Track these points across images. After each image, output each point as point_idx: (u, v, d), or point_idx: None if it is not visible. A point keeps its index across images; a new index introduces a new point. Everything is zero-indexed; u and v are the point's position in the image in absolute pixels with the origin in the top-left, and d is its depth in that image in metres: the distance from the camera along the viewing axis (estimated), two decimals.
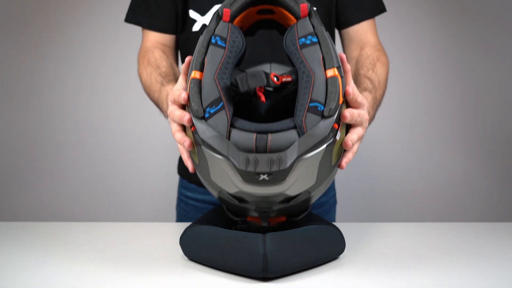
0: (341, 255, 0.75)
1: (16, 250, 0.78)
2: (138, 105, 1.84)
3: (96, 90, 1.85)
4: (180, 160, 1.15)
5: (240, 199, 0.65)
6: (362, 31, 1.03)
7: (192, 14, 0.99)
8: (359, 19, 1.03)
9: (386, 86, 0.96)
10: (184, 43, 1.05)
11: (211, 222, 0.74)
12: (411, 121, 1.87)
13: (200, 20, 0.99)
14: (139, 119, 1.85)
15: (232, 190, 0.64)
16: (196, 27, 0.99)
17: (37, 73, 1.85)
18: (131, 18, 1.06)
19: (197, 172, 0.72)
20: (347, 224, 0.91)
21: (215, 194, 0.70)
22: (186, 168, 1.11)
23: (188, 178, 1.11)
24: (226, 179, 0.63)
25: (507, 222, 0.98)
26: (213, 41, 0.67)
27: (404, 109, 1.87)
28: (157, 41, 1.05)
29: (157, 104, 0.93)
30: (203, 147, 0.64)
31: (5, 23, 1.83)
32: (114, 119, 1.86)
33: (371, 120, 0.84)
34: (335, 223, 0.79)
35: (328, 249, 0.71)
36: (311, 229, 0.70)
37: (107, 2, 1.81)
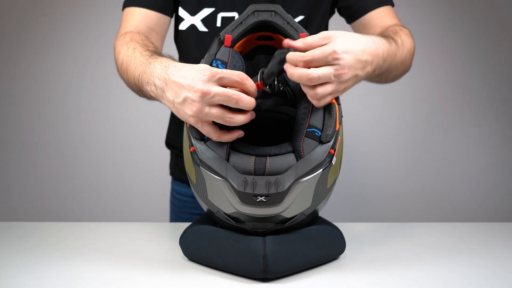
0: (341, 255, 0.75)
1: (16, 250, 0.78)
2: (139, 106, 1.84)
3: (96, 90, 1.85)
4: (172, 161, 1.15)
5: (237, 219, 0.67)
6: (378, 17, 0.96)
7: (181, 12, 0.97)
8: (372, 6, 0.96)
9: (408, 59, 0.83)
10: (174, 41, 1.04)
11: (211, 222, 0.74)
12: (411, 121, 1.87)
13: (188, 20, 0.97)
14: (139, 119, 1.85)
15: (229, 210, 0.66)
16: (183, 26, 0.98)
17: (37, 73, 1.85)
18: (127, 2, 0.97)
19: (193, 191, 0.73)
20: (347, 224, 0.91)
21: (210, 212, 0.71)
22: (177, 170, 1.11)
23: (179, 179, 1.11)
24: (223, 199, 0.65)
25: (507, 222, 0.98)
26: (214, 65, 0.69)
27: (405, 108, 1.87)
28: (147, 24, 0.94)
29: (142, 77, 0.72)
30: (201, 168, 0.65)
31: (5, 23, 1.83)
32: (114, 119, 1.86)
33: (377, 70, 0.71)
34: (335, 223, 0.79)
35: (328, 249, 0.71)
36: (311, 229, 0.70)
37: (108, 2, 1.81)
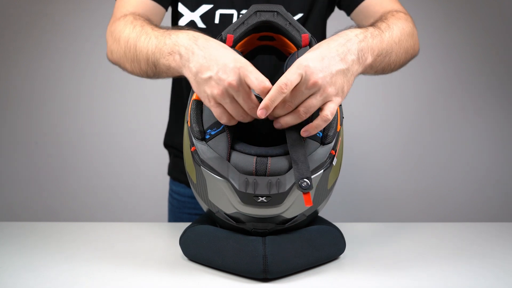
0: (341, 255, 0.75)
1: (16, 250, 0.78)
2: (138, 106, 1.84)
3: (95, 90, 1.85)
4: (170, 162, 1.15)
5: (237, 220, 0.67)
6: (377, 3, 0.94)
7: (181, 8, 0.97)
8: None
9: (405, 40, 0.79)
10: None
11: (211, 222, 0.74)
12: (412, 121, 1.87)
13: (187, 16, 0.97)
14: (138, 119, 1.85)
15: (229, 210, 0.66)
16: (182, 22, 0.97)
17: (37, 73, 1.85)
18: None
19: (193, 191, 0.72)
20: (347, 224, 0.91)
21: (210, 212, 0.71)
22: (176, 170, 1.11)
23: (178, 180, 1.11)
24: (224, 199, 0.65)
25: (507, 222, 0.98)
26: None
27: (406, 108, 1.87)
28: (144, 11, 0.90)
29: (162, 49, 0.69)
30: (202, 168, 0.65)
31: (5, 23, 1.83)
32: (114, 119, 1.86)
33: (366, 51, 0.68)
34: (335, 223, 0.79)
35: (328, 249, 0.71)
36: (311, 230, 0.70)
37: (108, 2, 1.81)
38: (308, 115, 0.62)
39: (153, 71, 0.75)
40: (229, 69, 0.60)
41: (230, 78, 0.59)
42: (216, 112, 0.63)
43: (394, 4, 0.93)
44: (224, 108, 0.63)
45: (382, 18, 0.83)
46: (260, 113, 0.59)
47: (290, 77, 0.58)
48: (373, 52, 0.69)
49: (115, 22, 0.85)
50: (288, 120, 0.62)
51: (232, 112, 0.62)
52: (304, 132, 0.62)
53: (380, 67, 0.75)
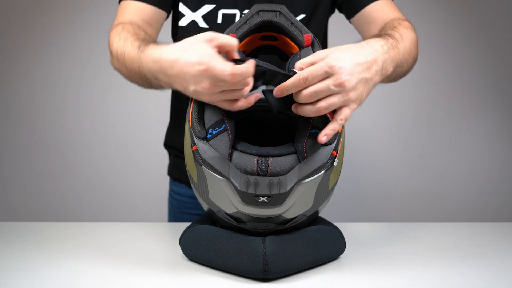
0: (341, 255, 0.75)
1: (16, 250, 0.78)
2: (138, 106, 1.84)
3: (95, 90, 1.85)
4: (170, 162, 1.15)
5: (238, 220, 0.67)
6: (379, 10, 0.94)
7: (182, 8, 0.97)
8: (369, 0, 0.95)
9: (413, 50, 0.82)
10: (171, 37, 1.03)
11: (211, 222, 0.74)
12: (412, 121, 1.87)
13: (189, 16, 0.97)
14: (138, 119, 1.85)
15: (230, 210, 0.66)
16: (183, 22, 0.97)
17: (37, 73, 1.85)
18: None
19: (194, 190, 0.72)
20: (347, 224, 0.91)
21: (211, 212, 0.71)
22: (176, 170, 1.11)
23: (178, 180, 1.11)
24: (225, 199, 0.65)
25: (507, 222, 0.98)
26: None
27: (406, 108, 1.86)
28: (142, 17, 0.92)
29: (143, 73, 0.72)
30: (203, 167, 0.65)
31: (5, 23, 1.83)
32: (114, 120, 1.86)
33: (389, 64, 0.70)
34: (335, 223, 0.79)
35: (328, 249, 0.71)
36: (311, 230, 0.70)
37: (108, 2, 1.81)
38: (327, 112, 0.63)
39: (148, 86, 0.77)
40: (198, 77, 0.61)
41: (204, 84, 0.61)
42: (222, 105, 0.64)
43: (395, 12, 0.94)
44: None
45: (391, 27, 0.83)
46: (275, 92, 0.63)
47: (314, 72, 0.61)
48: (393, 63, 0.72)
49: (112, 29, 0.88)
50: (307, 111, 0.63)
51: (232, 97, 0.63)
52: (323, 137, 0.63)
53: (393, 76, 0.77)
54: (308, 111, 0.63)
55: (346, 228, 0.85)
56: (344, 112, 0.63)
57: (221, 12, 0.96)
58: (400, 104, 1.86)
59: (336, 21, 1.08)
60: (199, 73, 0.61)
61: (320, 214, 0.79)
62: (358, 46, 0.67)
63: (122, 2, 0.96)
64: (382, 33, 0.78)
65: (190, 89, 0.63)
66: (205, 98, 0.64)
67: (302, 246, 0.67)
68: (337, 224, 0.82)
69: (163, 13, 0.96)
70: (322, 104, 0.62)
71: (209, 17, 0.96)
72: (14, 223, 0.94)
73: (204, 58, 0.61)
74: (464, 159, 1.87)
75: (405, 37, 0.79)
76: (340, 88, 0.62)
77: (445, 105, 1.87)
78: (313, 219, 0.74)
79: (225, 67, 0.59)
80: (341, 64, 0.62)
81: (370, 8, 0.95)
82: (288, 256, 0.65)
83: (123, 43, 0.79)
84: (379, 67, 0.67)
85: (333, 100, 0.62)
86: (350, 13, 0.99)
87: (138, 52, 0.73)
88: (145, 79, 0.73)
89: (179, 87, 0.66)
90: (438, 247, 0.80)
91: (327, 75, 0.61)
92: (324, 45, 1.07)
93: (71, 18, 1.83)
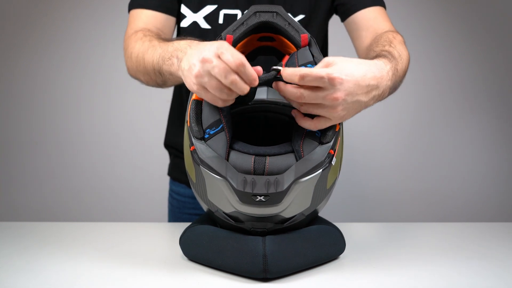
0: (341, 255, 0.75)
1: (16, 250, 0.78)
2: (138, 106, 1.84)
3: (95, 90, 1.85)
4: (171, 162, 1.15)
5: (236, 219, 0.67)
6: (371, 18, 0.95)
7: (183, 9, 0.98)
8: (365, 4, 0.96)
9: (408, 64, 0.82)
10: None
11: (211, 222, 0.74)
12: (412, 121, 1.87)
13: (190, 17, 0.97)
14: (138, 120, 1.85)
15: (228, 209, 0.66)
16: (185, 23, 0.98)
17: (37, 73, 1.85)
18: (133, 4, 0.97)
19: (193, 190, 0.73)
20: (347, 224, 0.91)
21: (210, 212, 0.71)
22: (176, 170, 1.12)
23: (178, 180, 1.11)
24: (223, 198, 0.66)
25: (507, 222, 0.98)
26: None
27: (406, 108, 1.86)
28: (155, 25, 0.94)
29: (164, 56, 0.74)
30: (201, 167, 0.65)
31: (5, 23, 1.83)
32: (114, 120, 1.86)
33: (387, 90, 0.71)
34: (335, 223, 0.79)
35: (328, 249, 0.71)
36: (311, 229, 0.70)
37: (108, 2, 1.81)
38: (300, 99, 0.62)
39: (160, 79, 0.79)
40: (206, 52, 0.60)
41: (204, 55, 0.60)
42: (207, 97, 0.62)
43: (387, 23, 0.95)
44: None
45: (387, 41, 0.83)
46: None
47: (313, 75, 0.60)
48: (391, 89, 0.72)
49: (127, 39, 0.90)
50: (289, 94, 0.63)
51: (212, 88, 0.60)
52: (294, 112, 0.65)
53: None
54: (289, 96, 0.63)
55: (346, 228, 0.85)
56: (321, 124, 0.63)
57: (222, 12, 0.96)
58: (400, 105, 1.86)
59: (337, 21, 1.08)
60: (209, 48, 0.60)
61: (320, 214, 0.79)
62: (367, 65, 0.66)
63: (132, 11, 0.97)
64: (385, 52, 0.77)
65: (189, 64, 0.62)
66: (193, 73, 0.61)
67: (302, 246, 0.67)
68: (337, 224, 0.82)
69: (172, 19, 0.98)
70: (307, 108, 0.63)
71: (211, 18, 0.96)
72: (14, 223, 0.94)
73: (225, 44, 0.61)
74: (464, 160, 1.87)
75: (402, 56, 0.79)
76: (331, 103, 0.61)
77: (445, 105, 1.87)
78: (313, 219, 0.74)
79: (236, 52, 0.59)
80: (343, 81, 0.61)
81: (362, 14, 0.96)
82: (288, 255, 0.65)
83: (148, 43, 0.82)
84: (379, 93, 0.68)
85: (319, 111, 0.63)
86: (343, 16, 1.00)
87: (167, 42, 0.77)
88: (159, 66, 0.75)
89: (184, 65, 0.65)
90: (438, 247, 0.80)
91: (324, 85, 0.60)
92: (324, 47, 1.07)
93: (71, 18, 1.83)
